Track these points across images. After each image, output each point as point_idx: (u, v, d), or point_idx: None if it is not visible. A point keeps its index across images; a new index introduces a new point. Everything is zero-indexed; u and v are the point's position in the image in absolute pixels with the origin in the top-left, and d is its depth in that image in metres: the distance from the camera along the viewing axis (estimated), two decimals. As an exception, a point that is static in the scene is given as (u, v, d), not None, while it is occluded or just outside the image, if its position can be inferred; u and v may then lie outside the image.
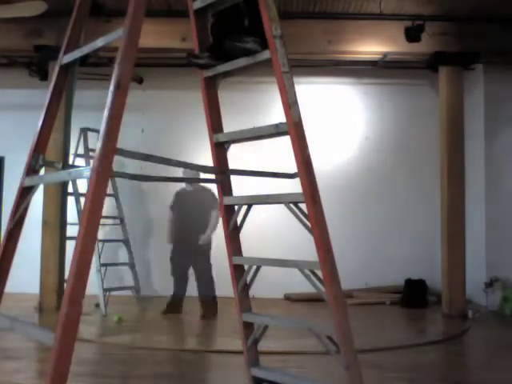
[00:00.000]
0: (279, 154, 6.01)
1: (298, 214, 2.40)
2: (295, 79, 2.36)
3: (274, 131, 2.43)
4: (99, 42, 2.16)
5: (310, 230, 2.31)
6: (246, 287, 2.67)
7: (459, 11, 6.35)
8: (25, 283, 6.37)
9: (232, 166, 2.76)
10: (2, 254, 2.25)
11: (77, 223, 6.19)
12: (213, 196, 6.19)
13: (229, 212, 2.70)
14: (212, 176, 2.84)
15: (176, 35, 6.25)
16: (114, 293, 6.43)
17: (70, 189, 6.64)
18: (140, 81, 7.80)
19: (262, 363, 2.69)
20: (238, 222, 2.70)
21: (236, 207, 2.70)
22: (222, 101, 2.76)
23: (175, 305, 6.41)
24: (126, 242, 6.94)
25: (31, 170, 2.30)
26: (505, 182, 7.24)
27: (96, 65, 7.09)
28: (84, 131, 6.96)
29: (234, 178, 2.79)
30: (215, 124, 2.71)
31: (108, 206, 6.33)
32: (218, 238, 5.74)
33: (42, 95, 2.57)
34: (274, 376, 2.59)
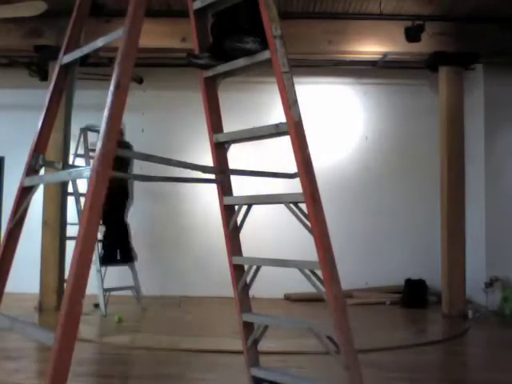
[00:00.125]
0: (279, 153, 6.01)
1: (298, 213, 2.40)
2: (295, 79, 2.36)
3: (274, 131, 2.43)
4: (99, 42, 2.16)
5: (310, 230, 2.31)
6: (246, 287, 2.67)
7: (459, 11, 6.35)
8: (25, 283, 6.37)
9: (232, 166, 2.76)
10: (2, 253, 2.25)
11: (77, 223, 6.19)
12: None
13: (229, 212, 2.70)
14: (212, 176, 2.84)
15: (176, 35, 6.25)
16: (113, 293, 6.43)
17: (70, 189, 6.64)
18: (140, 81, 7.80)
19: (262, 363, 2.69)
20: (238, 222, 2.70)
21: (236, 207, 2.70)
22: (222, 101, 2.76)
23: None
24: (125, 241, 6.94)
25: (31, 169, 2.30)
26: (505, 182, 7.24)
27: (96, 65, 7.09)
28: (84, 131, 6.96)
29: (233, 178, 2.79)
30: (215, 124, 2.71)
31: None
32: (218, 237, 5.74)
33: (42, 95, 2.57)
34: (274, 376, 2.59)
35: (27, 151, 2.31)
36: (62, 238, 6.51)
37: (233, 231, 2.69)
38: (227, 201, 2.71)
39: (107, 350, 4.76)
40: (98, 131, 5.75)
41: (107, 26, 5.99)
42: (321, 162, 6.35)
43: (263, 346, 2.78)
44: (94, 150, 5.14)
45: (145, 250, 7.50)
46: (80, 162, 6.79)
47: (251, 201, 2.66)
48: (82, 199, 6.25)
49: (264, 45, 2.39)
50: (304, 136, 2.33)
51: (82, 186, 6.27)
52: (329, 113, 8.11)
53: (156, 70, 7.83)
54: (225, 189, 2.73)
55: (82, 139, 6.96)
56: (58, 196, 6.52)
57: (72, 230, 6.17)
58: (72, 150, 6.78)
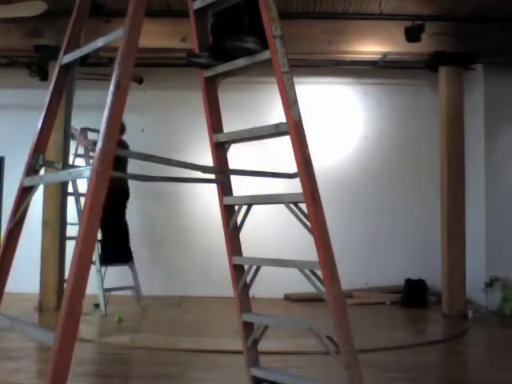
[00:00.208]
0: (279, 153, 6.01)
1: (298, 213, 2.40)
2: (295, 79, 2.36)
3: (274, 131, 2.43)
4: (99, 42, 2.16)
5: (310, 230, 2.31)
6: (246, 287, 2.67)
7: (459, 11, 6.35)
8: (25, 283, 6.37)
9: (232, 166, 2.76)
10: (2, 253, 2.25)
11: (77, 223, 6.20)
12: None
13: (229, 212, 2.70)
14: (212, 176, 2.83)
15: (176, 35, 6.25)
16: (113, 293, 6.43)
17: (70, 189, 6.65)
18: (140, 81, 7.80)
19: (262, 363, 2.69)
20: (238, 222, 2.70)
21: (236, 207, 2.70)
22: (222, 101, 2.76)
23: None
24: (125, 242, 6.94)
25: (31, 169, 2.30)
26: (505, 182, 7.24)
27: (96, 65, 7.09)
28: (84, 131, 6.96)
29: (233, 178, 2.79)
30: (215, 124, 2.71)
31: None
32: (218, 237, 5.74)
33: (41, 95, 2.57)
34: (274, 376, 2.59)
35: (27, 151, 2.31)
36: (62, 238, 6.51)
37: (233, 231, 2.69)
38: (227, 201, 2.71)
39: (107, 349, 4.76)
40: (98, 131, 5.74)
41: (107, 26, 5.99)
42: (321, 162, 6.35)
43: (263, 346, 2.78)
44: (94, 150, 5.13)
45: (145, 250, 7.52)
46: (80, 162, 6.79)
47: (251, 201, 2.66)
48: (82, 199, 6.25)
49: (264, 45, 2.39)
50: (304, 136, 2.33)
51: (82, 186, 6.27)
52: (329, 113, 8.11)
53: (156, 69, 7.83)
54: (225, 189, 2.73)
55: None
56: (58, 196, 6.52)
57: (72, 230, 6.17)
58: (72, 150, 6.78)
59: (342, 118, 8.15)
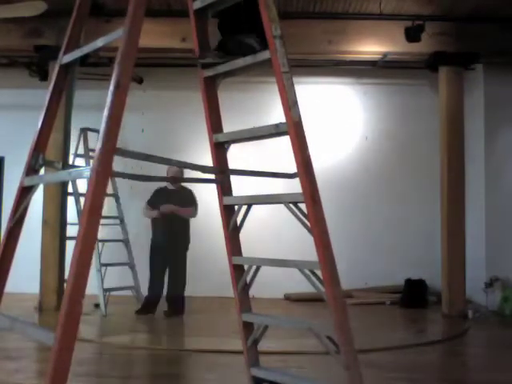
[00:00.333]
0: (279, 154, 6.01)
1: (298, 213, 2.40)
2: (295, 79, 2.36)
3: (274, 131, 2.43)
4: (99, 42, 2.16)
5: (310, 230, 2.31)
6: (246, 287, 2.67)
7: (459, 11, 6.35)
8: (25, 283, 6.37)
9: (232, 166, 2.76)
10: (2, 253, 2.25)
11: (77, 223, 6.19)
12: (191, 194, 6.41)
13: (229, 212, 2.70)
14: (212, 176, 2.84)
15: (176, 35, 6.25)
16: (113, 293, 6.43)
17: (70, 189, 6.64)
18: (140, 81, 7.80)
19: (262, 363, 2.69)
20: (238, 222, 2.70)
21: (236, 207, 2.70)
22: (222, 101, 2.76)
23: (150, 305, 6.26)
24: (125, 242, 6.94)
25: (31, 169, 2.30)
26: (505, 182, 7.24)
27: (96, 65, 7.09)
28: (84, 131, 6.96)
29: (233, 178, 2.79)
30: (215, 124, 2.71)
31: (108, 206, 6.33)
32: (218, 238, 5.74)
33: (41, 95, 2.57)
34: (274, 376, 2.59)
35: (27, 151, 2.31)
36: (62, 238, 6.51)
37: (233, 231, 2.69)
38: (227, 201, 2.71)
39: (107, 349, 4.76)
40: (98, 131, 5.73)
41: (107, 26, 5.99)
42: (321, 162, 6.34)
43: (263, 346, 2.78)
44: (93, 150, 5.13)
45: (145, 250, 7.49)
46: (80, 161, 6.80)
47: (251, 201, 2.66)
48: (82, 199, 6.25)
49: (264, 45, 2.39)
50: (304, 136, 2.33)
51: (82, 185, 6.27)
52: (329, 113, 8.11)
53: (156, 69, 7.82)
54: (225, 189, 2.73)
55: (81, 139, 6.98)
56: (58, 196, 6.52)
57: (72, 230, 6.17)
58: (72, 150, 6.78)
59: (342, 118, 8.15)
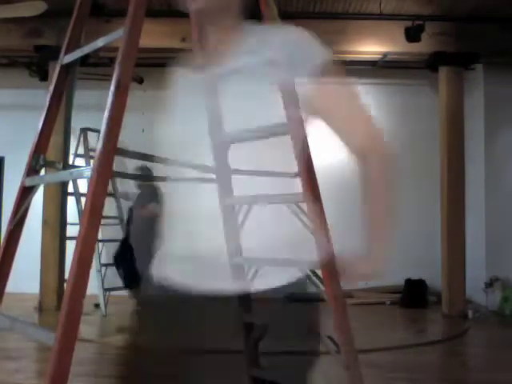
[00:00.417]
0: (280, 153, 6.01)
1: (299, 213, 2.40)
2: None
3: (275, 131, 2.43)
4: (100, 42, 2.15)
5: (311, 230, 2.31)
6: (246, 287, 2.67)
7: (459, 11, 6.35)
8: (25, 283, 6.37)
9: (232, 166, 2.75)
10: (2, 255, 2.24)
11: (77, 223, 6.20)
12: (154, 190, 5.99)
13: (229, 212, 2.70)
14: (212, 176, 2.83)
15: (176, 35, 6.25)
16: (113, 293, 6.43)
17: (70, 189, 6.65)
18: (140, 81, 7.80)
19: (262, 363, 2.69)
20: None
21: (236, 207, 2.70)
22: (223, 100, 2.75)
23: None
24: (126, 241, 6.94)
25: (32, 170, 2.29)
26: (505, 182, 7.25)
27: (96, 65, 7.09)
28: (84, 131, 6.97)
29: (234, 178, 2.78)
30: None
31: (108, 206, 6.34)
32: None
33: (41, 95, 2.57)
34: (274, 376, 2.59)
35: (27, 151, 2.31)
36: (62, 238, 6.51)
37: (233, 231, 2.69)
38: (227, 201, 2.71)
39: (107, 350, 4.76)
40: (98, 131, 5.72)
41: (107, 26, 5.99)
42: (320, 163, 6.35)
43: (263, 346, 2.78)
44: (94, 150, 5.13)
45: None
46: (80, 162, 6.80)
47: (251, 201, 2.66)
48: (83, 199, 6.26)
49: None
50: (305, 136, 2.33)
51: (83, 185, 6.27)
52: (329, 113, 8.11)
53: (156, 69, 7.81)
54: (225, 189, 2.72)
55: (82, 139, 6.98)
56: (58, 196, 6.53)
57: (72, 230, 6.17)
58: (72, 150, 6.79)
59: (342, 118, 8.15)
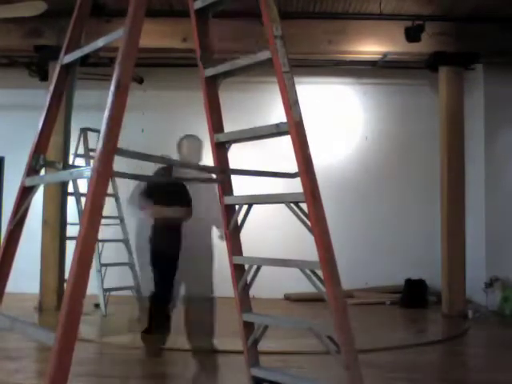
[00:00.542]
0: (280, 153, 6.01)
1: (299, 213, 2.40)
2: (296, 79, 2.36)
3: (275, 131, 2.43)
4: (100, 42, 2.16)
5: (311, 230, 2.31)
6: (247, 287, 2.67)
7: (459, 11, 6.35)
8: (25, 283, 6.37)
9: (232, 165, 2.76)
10: (2, 254, 2.24)
11: (77, 223, 6.19)
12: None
13: (229, 212, 2.70)
14: (213, 176, 2.84)
15: (176, 35, 6.25)
16: (113, 293, 6.43)
17: (70, 189, 6.65)
18: (140, 81, 7.80)
19: (262, 363, 2.69)
20: (239, 222, 2.70)
21: (237, 207, 2.70)
22: (223, 101, 2.75)
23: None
24: (126, 242, 6.94)
25: (32, 170, 2.29)
26: (505, 182, 7.25)
27: (96, 65, 7.09)
28: (84, 131, 6.96)
29: (234, 178, 2.78)
30: (216, 124, 2.71)
31: (108, 206, 6.34)
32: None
33: (41, 95, 2.58)
34: (274, 376, 2.59)
35: (27, 151, 2.31)
36: (62, 238, 6.51)
37: (233, 231, 2.69)
38: (228, 200, 2.71)
39: (107, 349, 4.76)
40: (98, 131, 5.68)
41: (108, 26, 5.98)
42: (321, 162, 6.35)
43: (263, 346, 2.78)
44: (94, 150, 5.11)
45: (145, 250, 7.49)
46: (80, 162, 6.80)
47: (252, 200, 2.66)
48: (83, 199, 6.26)
49: None
50: (305, 136, 2.33)
51: (83, 185, 6.27)
52: (329, 113, 8.11)
53: (156, 69, 7.82)
54: (225, 188, 2.72)
55: (82, 139, 6.98)
56: (58, 196, 6.53)
57: (72, 230, 6.17)
58: (72, 150, 6.79)
59: (341, 118, 8.15)
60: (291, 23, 6.13)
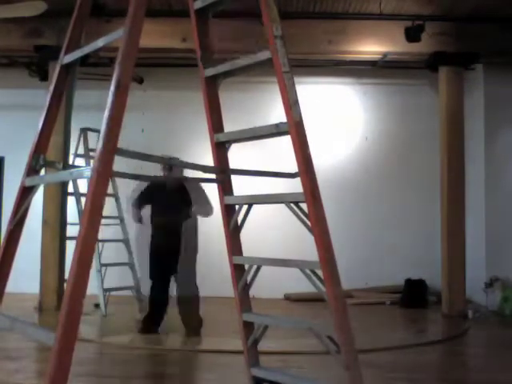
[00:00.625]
0: (280, 153, 6.02)
1: (299, 213, 2.40)
2: (296, 79, 2.36)
3: (275, 131, 2.43)
4: (100, 42, 2.16)
5: (311, 230, 2.31)
6: (247, 287, 2.67)
7: (459, 11, 6.35)
8: (25, 283, 6.37)
9: (232, 165, 2.76)
10: (2, 254, 2.24)
11: (77, 223, 6.19)
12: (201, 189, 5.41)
13: (229, 211, 2.70)
14: (212, 176, 2.83)
15: (176, 35, 6.25)
16: (113, 293, 6.43)
17: (70, 188, 6.64)
18: (140, 81, 7.80)
19: (262, 363, 2.69)
20: (239, 222, 2.70)
21: (236, 207, 2.70)
22: (223, 101, 2.76)
23: (153, 320, 5.31)
24: (125, 242, 6.94)
25: (32, 170, 2.29)
26: (505, 182, 7.24)
27: (96, 65, 7.09)
28: (84, 131, 6.96)
29: (234, 178, 2.79)
30: (216, 124, 2.71)
31: (108, 206, 6.34)
32: (218, 237, 5.74)
33: (41, 95, 2.58)
34: (274, 376, 2.59)
35: (27, 151, 2.31)
36: (62, 238, 6.51)
37: (233, 231, 2.69)
38: (228, 200, 2.71)
39: (107, 349, 4.76)
40: (98, 131, 5.66)
41: (108, 26, 5.98)
42: (321, 162, 6.35)
43: (263, 346, 2.78)
44: (94, 150, 5.10)
45: (145, 250, 7.50)
46: (80, 162, 6.79)
47: (252, 200, 2.66)
48: (83, 199, 6.25)
49: None
50: (305, 136, 2.33)
51: (83, 185, 6.27)
52: (329, 113, 8.11)
53: (156, 69, 7.82)
54: (225, 188, 2.73)
55: (82, 139, 6.98)
56: (58, 196, 6.52)
57: (72, 230, 6.17)
58: (72, 150, 6.78)
59: (341, 118, 8.15)
60: (291, 23, 6.13)
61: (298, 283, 6.85)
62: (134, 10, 1.99)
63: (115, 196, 6.97)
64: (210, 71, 2.67)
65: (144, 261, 5.85)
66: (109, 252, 6.68)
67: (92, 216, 1.81)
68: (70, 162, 6.57)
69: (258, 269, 2.64)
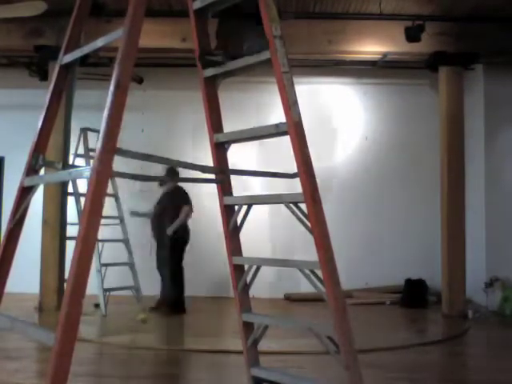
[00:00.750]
0: (279, 154, 6.02)
1: (298, 213, 2.40)
2: (295, 79, 2.36)
3: (274, 131, 2.43)
4: (99, 42, 2.16)
5: (310, 230, 2.31)
6: (246, 287, 2.67)
7: (459, 11, 6.35)
8: (25, 283, 6.37)
9: (232, 165, 2.76)
10: (2, 254, 2.25)
11: (77, 223, 6.19)
12: (183, 193, 6.48)
13: (229, 212, 2.70)
14: (212, 176, 2.84)
15: (176, 35, 6.25)
16: (113, 293, 6.43)
17: (70, 188, 6.64)
18: (140, 81, 7.80)
19: (262, 363, 2.69)
20: (238, 222, 2.71)
21: (236, 207, 2.70)
22: (222, 101, 2.76)
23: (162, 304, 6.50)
24: (125, 242, 6.94)
25: (31, 169, 2.30)
26: (505, 182, 7.24)
27: (96, 65, 7.09)
28: (84, 131, 6.96)
29: (234, 178, 2.79)
30: (215, 124, 2.71)
31: (108, 206, 6.33)
32: (218, 237, 5.75)
33: (41, 95, 2.57)
34: (274, 376, 2.60)
35: (27, 151, 2.31)
36: (62, 238, 6.50)
37: (233, 231, 2.69)
38: (227, 201, 2.71)
39: (107, 349, 4.76)
40: (98, 131, 5.66)
41: (107, 26, 5.98)
42: (320, 163, 6.35)
43: (263, 345, 2.78)
44: (94, 150, 5.11)
45: (145, 250, 7.51)
46: (80, 161, 6.79)
47: (251, 201, 2.66)
48: (83, 199, 6.25)
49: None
50: (304, 136, 2.33)
51: (83, 185, 6.27)
52: (329, 113, 8.11)
53: (156, 69, 7.82)
54: (225, 189, 2.73)
55: (82, 139, 6.97)
56: (58, 196, 6.52)
57: (72, 230, 6.17)
58: (72, 150, 6.78)
59: (342, 118, 8.15)
60: (291, 23, 6.13)
61: (297, 283, 6.89)
62: (133, 9, 2.00)
63: (115, 196, 6.97)
64: (210, 71, 2.67)
65: None
66: (109, 252, 6.69)
67: (92, 216, 1.81)
68: (70, 162, 6.57)
69: (258, 269, 2.65)
